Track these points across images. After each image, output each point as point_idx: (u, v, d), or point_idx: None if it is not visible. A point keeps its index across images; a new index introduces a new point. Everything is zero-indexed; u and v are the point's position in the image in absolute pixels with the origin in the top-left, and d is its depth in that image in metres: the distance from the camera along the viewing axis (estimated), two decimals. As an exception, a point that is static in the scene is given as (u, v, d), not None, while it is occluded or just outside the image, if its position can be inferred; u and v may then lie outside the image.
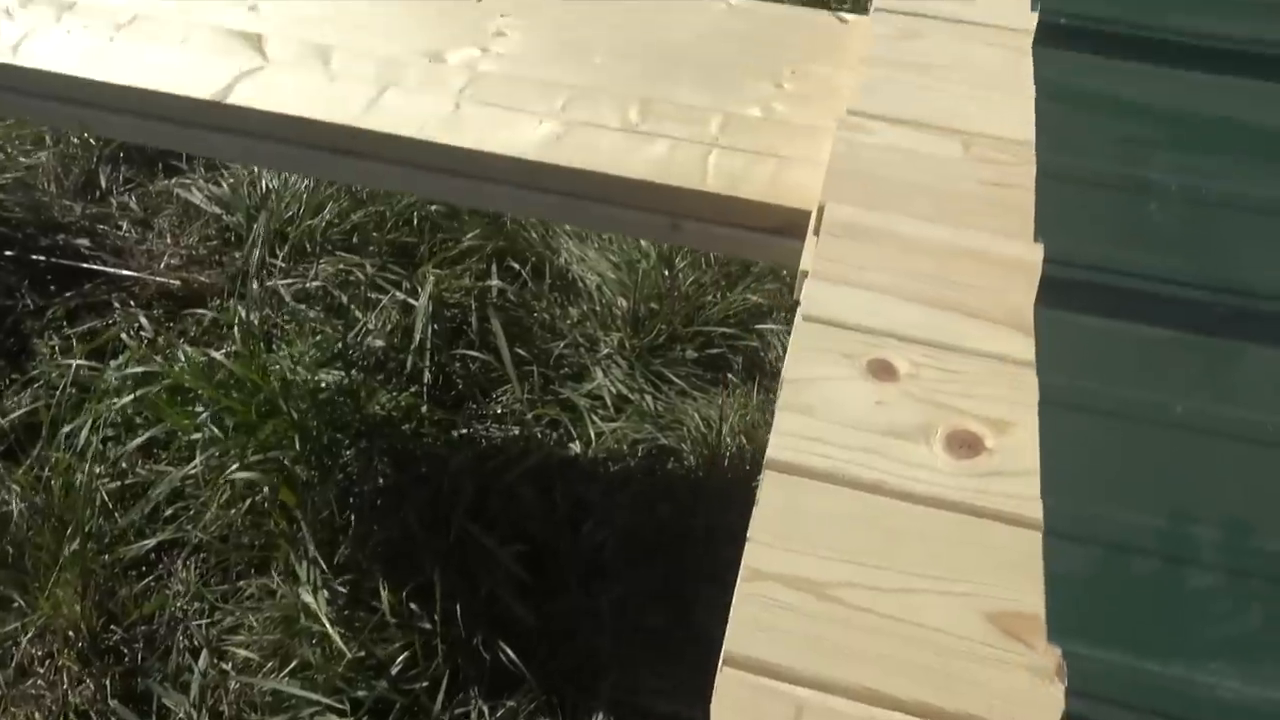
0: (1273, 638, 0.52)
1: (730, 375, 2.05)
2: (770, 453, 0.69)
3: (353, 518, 1.64)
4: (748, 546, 0.64)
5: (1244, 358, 0.65)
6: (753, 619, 0.60)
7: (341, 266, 2.07)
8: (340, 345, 1.90)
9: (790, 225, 1.13)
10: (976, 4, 1.24)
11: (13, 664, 1.60)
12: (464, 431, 1.89)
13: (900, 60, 1.12)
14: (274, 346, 1.97)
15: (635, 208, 1.17)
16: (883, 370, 0.74)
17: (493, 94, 1.24)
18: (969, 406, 0.73)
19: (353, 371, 1.83)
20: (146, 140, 1.37)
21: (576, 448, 1.88)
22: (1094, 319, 0.66)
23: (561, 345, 2.05)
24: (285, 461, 1.65)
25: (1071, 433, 0.62)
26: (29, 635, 1.61)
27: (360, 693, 1.52)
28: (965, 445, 0.70)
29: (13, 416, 1.87)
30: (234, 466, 1.67)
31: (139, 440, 1.77)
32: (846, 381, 0.73)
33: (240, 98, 1.22)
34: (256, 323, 2.00)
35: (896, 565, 0.64)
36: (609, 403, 1.96)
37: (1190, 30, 0.87)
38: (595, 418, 1.93)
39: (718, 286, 2.19)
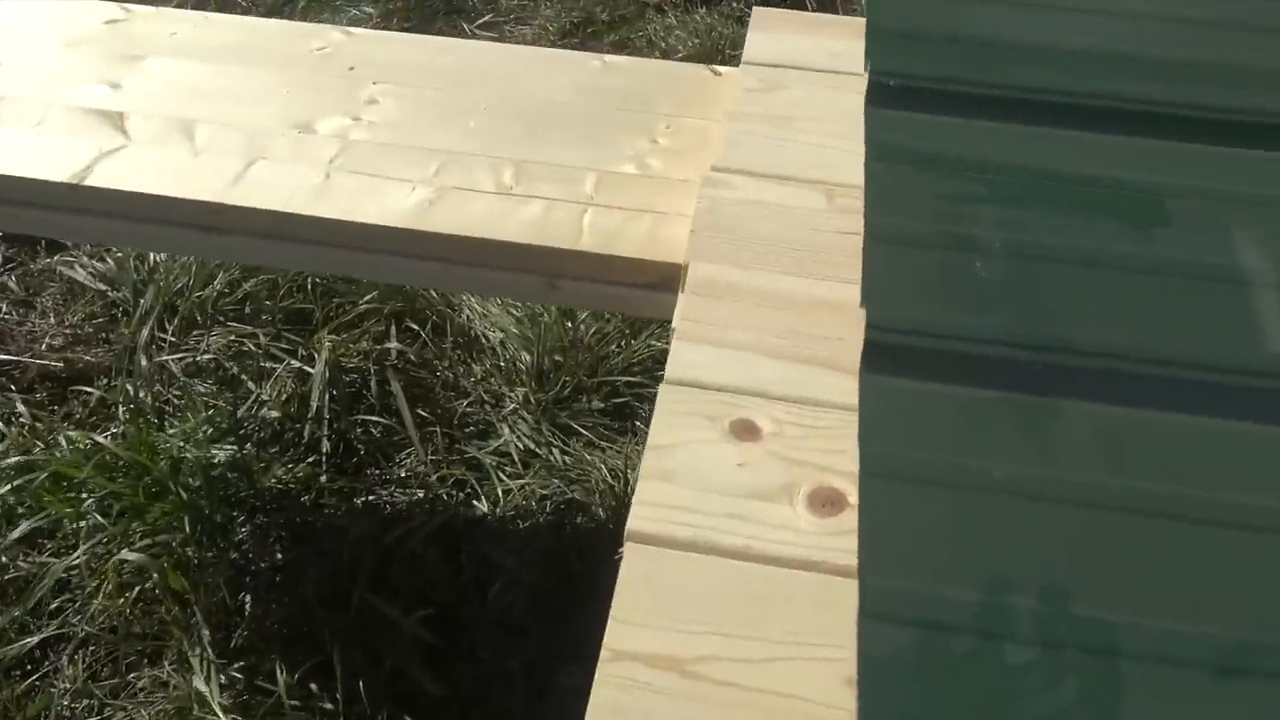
0: (1086, 711, 0.52)
1: (637, 423, 2.05)
2: (631, 524, 0.68)
3: (248, 598, 1.58)
4: (609, 625, 0.63)
5: (1063, 416, 0.65)
6: (611, 703, 0.59)
7: (234, 338, 2.02)
8: (232, 419, 1.84)
9: (667, 280, 1.13)
10: (841, 54, 1.27)
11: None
12: (367, 498, 1.85)
13: (765, 113, 1.13)
14: (165, 424, 1.91)
15: (511, 270, 1.16)
16: (745, 430, 0.74)
17: (364, 162, 1.23)
18: (830, 463, 0.73)
19: (246, 445, 1.78)
20: (6, 227, 1.32)
21: (483, 507, 1.85)
22: (915, 383, 0.66)
23: (465, 403, 2.02)
24: (175, 544, 1.59)
25: (892, 505, 0.62)
26: (-95, 748, 1.52)
27: (262, 782, 1.46)
28: (828, 503, 0.70)
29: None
30: (121, 553, 1.60)
31: (19, 531, 1.69)
32: (709, 445, 0.73)
33: (100, 179, 1.19)
34: (147, 400, 1.94)
35: (761, 633, 0.64)
36: (516, 459, 1.94)
37: (1014, 84, 0.89)
38: (502, 475, 1.91)
39: (621, 335, 2.19)
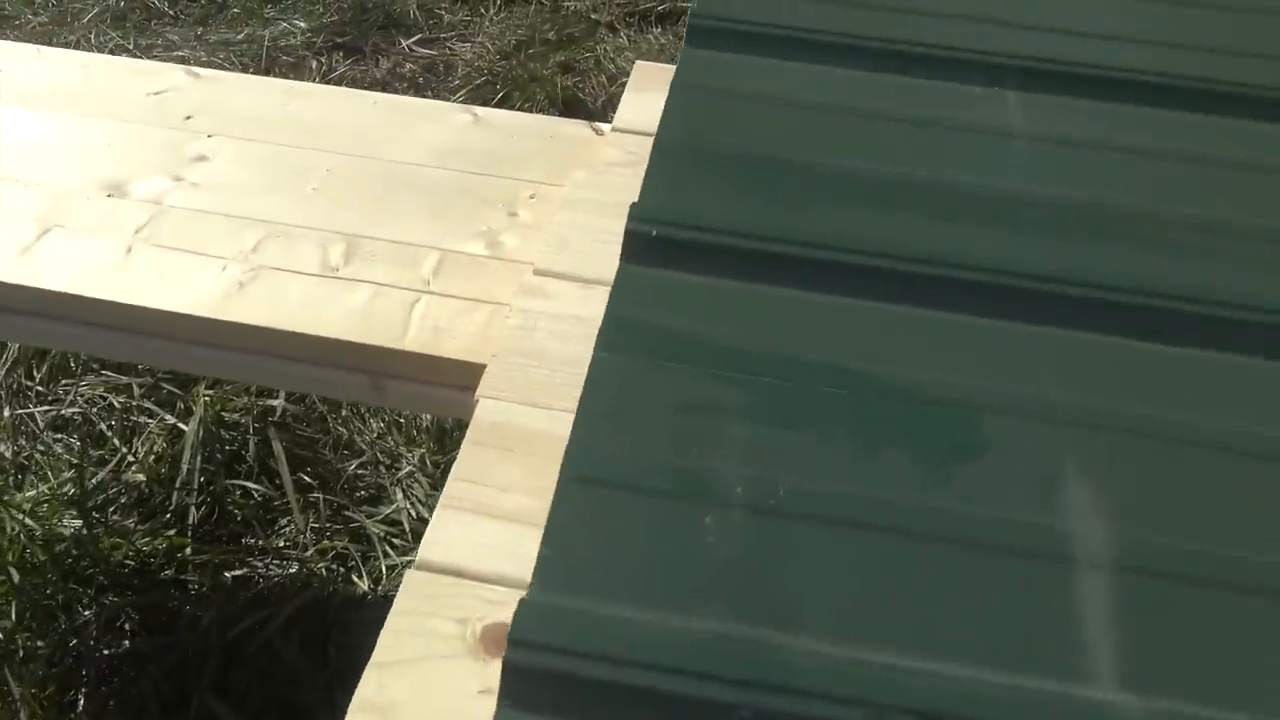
0: None
1: (546, 487, 1.90)
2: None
3: (82, 697, 1.43)
4: None
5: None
6: None
7: (102, 391, 1.86)
8: (89, 483, 1.69)
9: (502, 386, 0.99)
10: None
11: None
12: (238, 573, 1.70)
13: (610, 200, 0.99)
14: (26, 484, 1.75)
15: (330, 366, 1.01)
16: (496, 641, 0.59)
17: (174, 234, 1.08)
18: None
19: (96, 515, 1.63)
20: None
21: (364, 585, 1.70)
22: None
23: (356, 464, 1.87)
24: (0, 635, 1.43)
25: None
26: None
27: None
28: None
29: None
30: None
31: None
32: (448, 662, 0.59)
33: None
34: (7, 455, 1.78)
35: None
36: (407, 528, 1.79)
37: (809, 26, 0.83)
38: (389, 547, 1.76)
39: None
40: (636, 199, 0.79)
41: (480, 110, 1.30)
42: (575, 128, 1.28)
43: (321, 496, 1.79)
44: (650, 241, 0.62)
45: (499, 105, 2.87)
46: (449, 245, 1.08)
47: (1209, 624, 0.53)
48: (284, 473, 1.78)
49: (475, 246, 1.08)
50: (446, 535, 0.64)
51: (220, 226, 1.08)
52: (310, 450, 1.86)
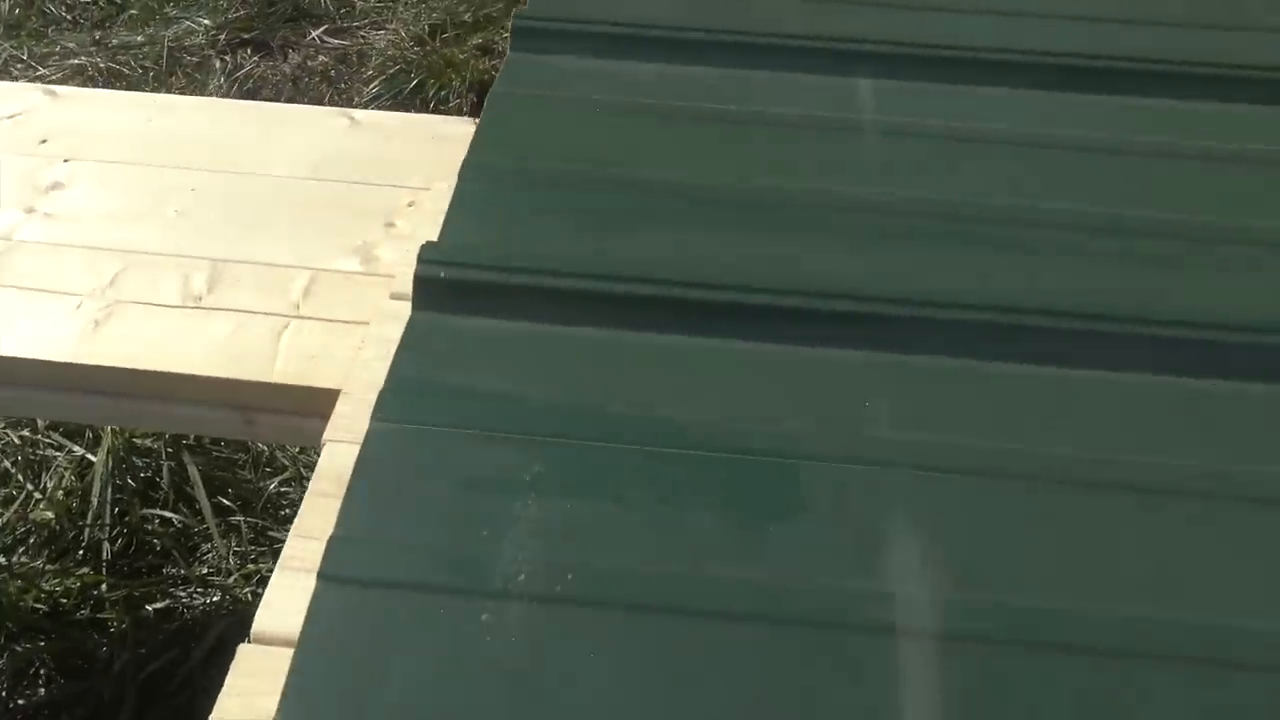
0: None
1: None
2: None
3: (-8, 754, 1.37)
4: None
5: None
6: None
7: (3, 427, 1.78)
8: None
9: (382, 412, 0.94)
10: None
11: None
12: (160, 605, 1.64)
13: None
14: (-71, 527, 1.67)
15: (194, 404, 0.95)
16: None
17: (26, 271, 1.01)
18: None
19: (2, 559, 1.56)
20: None
21: (293, 608, 1.64)
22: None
23: (278, 482, 1.81)
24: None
25: None
26: None
27: None
28: None
29: None
30: None
31: None
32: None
33: None
34: (-92, 499, 1.70)
35: None
36: (336, 544, 1.73)
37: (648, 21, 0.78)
38: (319, 565, 1.70)
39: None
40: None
41: (359, 113, 1.24)
42: (460, 126, 1.22)
43: (243, 519, 1.73)
44: (442, 285, 0.57)
45: (414, 94, 2.79)
46: (320, 264, 1.02)
47: (1043, 697, 0.49)
48: (201, 497, 1.71)
49: (349, 263, 1.02)
50: (283, 602, 0.60)
51: (76, 260, 1.02)
52: (229, 471, 1.79)
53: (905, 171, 0.69)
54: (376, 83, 2.79)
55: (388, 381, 0.55)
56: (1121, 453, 0.57)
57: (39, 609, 1.55)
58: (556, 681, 0.46)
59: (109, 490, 1.69)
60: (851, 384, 0.59)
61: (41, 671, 1.50)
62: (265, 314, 0.97)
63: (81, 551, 1.66)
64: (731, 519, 0.52)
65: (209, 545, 1.73)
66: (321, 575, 0.48)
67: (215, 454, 1.83)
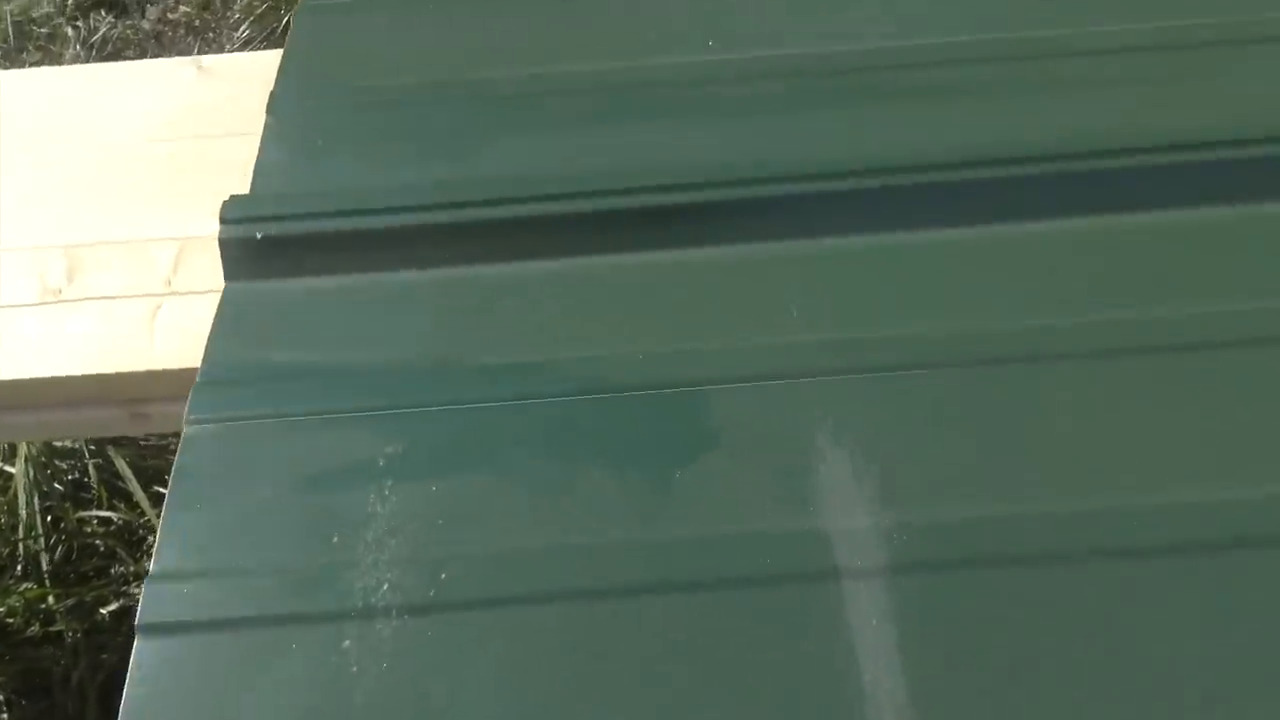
0: None
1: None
2: None
3: (-38, 788, 1.32)
4: None
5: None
6: None
7: (-91, 450, 1.68)
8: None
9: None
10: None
11: None
12: (114, 606, 1.58)
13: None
14: None
15: (72, 406, 0.88)
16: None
17: None
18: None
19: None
20: None
21: (252, 585, 1.60)
22: None
23: (215, 461, 1.74)
24: None
25: None
26: None
27: None
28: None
29: None
30: None
31: None
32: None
33: None
34: None
35: None
36: (286, 514, 1.68)
37: None
38: (272, 538, 1.65)
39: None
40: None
41: (206, 59, 1.13)
42: (317, 57, 1.12)
43: (183, 505, 1.66)
44: (254, 247, 0.49)
45: (287, 31, 2.63)
46: (188, 231, 0.93)
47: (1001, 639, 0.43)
48: (136, 490, 1.64)
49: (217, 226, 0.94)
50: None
51: (-88, 270, 0.92)
52: (160, 458, 1.71)
53: (751, 32, 0.61)
54: (245, 25, 2.62)
55: (200, 373, 0.48)
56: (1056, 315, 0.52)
57: (-15, 632, 1.49)
58: (445, 706, 0.40)
59: (35, 499, 1.61)
60: (754, 284, 0.52)
61: (0, 696, 1.45)
62: (134, 297, 0.89)
63: (20, 567, 1.59)
64: (632, 472, 0.45)
65: (153, 538, 1.66)
66: (140, 628, 0.42)
67: (142, 442, 1.75)
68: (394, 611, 0.42)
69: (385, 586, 0.43)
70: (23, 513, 1.59)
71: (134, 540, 1.65)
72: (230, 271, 0.49)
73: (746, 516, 0.47)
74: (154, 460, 1.72)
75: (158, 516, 1.64)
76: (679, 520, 0.46)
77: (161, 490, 1.67)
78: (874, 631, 0.43)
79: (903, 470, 0.48)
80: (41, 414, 0.87)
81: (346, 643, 0.41)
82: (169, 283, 0.89)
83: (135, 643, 0.42)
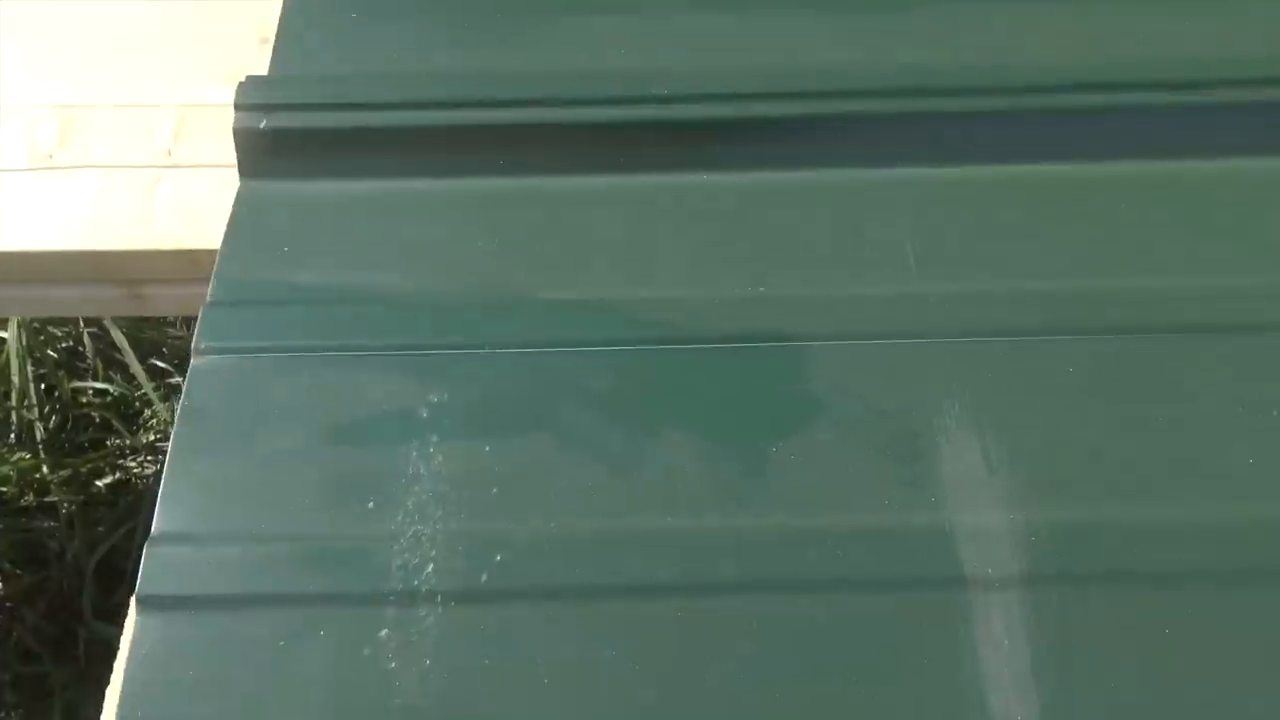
0: None
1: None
2: None
3: (-41, 655, 1.31)
4: None
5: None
6: None
7: (-104, 310, 1.62)
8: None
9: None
10: None
11: None
12: (110, 480, 1.54)
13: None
14: None
15: (66, 284, 0.82)
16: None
17: None
18: None
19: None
20: None
21: (252, 466, 1.56)
22: None
23: (215, 336, 1.68)
24: None
25: None
26: None
27: None
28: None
29: None
30: None
31: None
32: None
33: None
34: None
35: None
36: (287, 394, 1.63)
37: None
38: (273, 418, 1.60)
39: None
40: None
41: (210, -96, 1.02)
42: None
43: (181, 379, 1.61)
44: (276, 140, 0.42)
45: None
46: (190, 98, 0.85)
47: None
48: (132, 361, 1.59)
49: (222, 94, 0.85)
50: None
51: (-109, 125, 0.84)
52: (157, 330, 1.66)
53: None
54: None
55: (211, 291, 0.42)
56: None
57: (-22, 501, 1.45)
58: (497, 716, 0.34)
59: (28, 367, 1.55)
60: (865, 218, 0.44)
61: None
62: (132, 167, 0.81)
63: (14, 436, 1.55)
64: (720, 443, 0.38)
65: (150, 410, 1.62)
66: (140, 599, 0.36)
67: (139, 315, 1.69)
68: (439, 598, 0.35)
69: (430, 567, 0.36)
70: (15, 379, 1.54)
71: (130, 414, 1.61)
72: (247, 167, 0.41)
73: (855, 505, 0.39)
74: (152, 333, 1.66)
75: (155, 390, 1.59)
76: (775, 505, 0.39)
77: (159, 364, 1.62)
78: (1005, 654, 0.36)
79: (1044, 457, 0.40)
80: (31, 290, 0.81)
81: (384, 632, 0.35)
82: (169, 154, 0.82)
83: (135, 615, 0.37)
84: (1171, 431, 0.41)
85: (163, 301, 0.82)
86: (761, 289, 0.42)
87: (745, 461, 0.38)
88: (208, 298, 0.42)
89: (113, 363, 1.61)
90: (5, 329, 1.61)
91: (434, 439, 0.38)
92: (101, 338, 1.62)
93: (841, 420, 0.40)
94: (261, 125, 0.43)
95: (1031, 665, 0.36)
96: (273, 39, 0.88)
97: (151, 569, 0.38)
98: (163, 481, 0.40)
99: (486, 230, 0.43)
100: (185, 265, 0.79)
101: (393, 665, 0.34)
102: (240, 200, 0.42)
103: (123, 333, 1.61)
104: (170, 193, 0.80)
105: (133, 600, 0.38)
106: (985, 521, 0.38)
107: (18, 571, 1.40)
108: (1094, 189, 0.45)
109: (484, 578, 0.36)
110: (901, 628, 0.37)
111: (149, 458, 1.59)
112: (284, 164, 0.43)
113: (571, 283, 0.42)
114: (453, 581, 0.36)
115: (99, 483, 1.54)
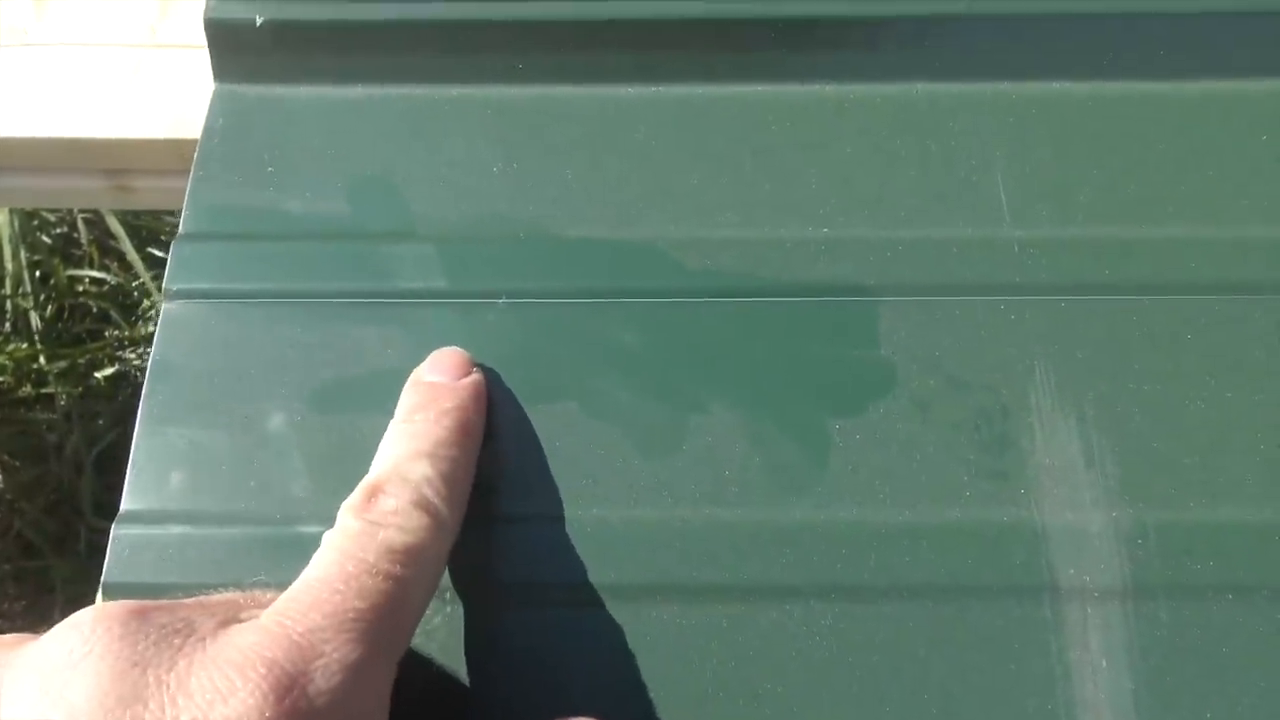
0: None
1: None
2: None
3: (-43, 547, 1.29)
4: None
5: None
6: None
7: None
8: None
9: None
10: None
11: None
12: (109, 371, 1.51)
13: None
14: None
15: (45, 172, 0.76)
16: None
17: None
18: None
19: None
20: None
21: (254, 362, 1.52)
22: None
23: (215, 226, 1.62)
24: None
25: None
26: None
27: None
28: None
29: None
30: None
31: None
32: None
33: None
34: None
35: None
36: (290, 289, 1.58)
37: None
38: (275, 313, 1.56)
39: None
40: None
41: None
42: None
43: (181, 271, 1.56)
44: (257, 36, 0.35)
45: None
46: (175, -31, 0.78)
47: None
48: (129, 250, 1.54)
49: (211, -34, 0.78)
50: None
51: None
52: (154, 218, 1.60)
53: None
54: None
55: (183, 220, 0.36)
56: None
57: (-26, 391, 1.42)
58: None
59: (22, 252, 1.50)
60: (949, 145, 0.37)
61: (-4, 459, 1.40)
62: (113, 45, 0.74)
63: (9, 324, 1.51)
64: (772, 418, 0.33)
65: (149, 301, 1.57)
66: (106, 588, 0.32)
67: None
68: (447, 594, 0.31)
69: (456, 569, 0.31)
70: (9, 265, 1.49)
71: (128, 304, 1.56)
72: (221, 68, 0.35)
73: (929, 498, 0.34)
74: (148, 219, 1.60)
75: (153, 280, 1.54)
76: (835, 496, 0.34)
77: (157, 252, 1.57)
78: (1103, 678, 0.32)
79: (1154, 448, 0.35)
80: (9, 178, 0.75)
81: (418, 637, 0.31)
82: (153, 31, 0.75)
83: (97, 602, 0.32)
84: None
85: (151, 194, 0.76)
86: (825, 229, 0.36)
87: (802, 442, 0.33)
88: (180, 229, 0.37)
89: (109, 250, 1.56)
90: (-3, 213, 1.56)
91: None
92: (96, 225, 1.56)
93: (915, 395, 0.35)
94: (243, 16, 0.36)
95: (1134, 693, 0.31)
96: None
97: (118, 555, 0.34)
98: (132, 450, 0.36)
99: (503, 152, 0.37)
100: (175, 156, 0.73)
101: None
102: (215, 109, 0.36)
103: (119, 219, 1.55)
104: (154, 75, 0.73)
105: (99, 591, 0.34)
106: (1084, 521, 0.33)
107: (16, 464, 1.38)
108: (1251, 109, 0.37)
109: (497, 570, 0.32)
110: (981, 646, 0.32)
111: (148, 350, 1.56)
112: (264, 65, 0.36)
113: (601, 218, 0.36)
114: (459, 577, 0.32)
115: (98, 374, 1.51)
